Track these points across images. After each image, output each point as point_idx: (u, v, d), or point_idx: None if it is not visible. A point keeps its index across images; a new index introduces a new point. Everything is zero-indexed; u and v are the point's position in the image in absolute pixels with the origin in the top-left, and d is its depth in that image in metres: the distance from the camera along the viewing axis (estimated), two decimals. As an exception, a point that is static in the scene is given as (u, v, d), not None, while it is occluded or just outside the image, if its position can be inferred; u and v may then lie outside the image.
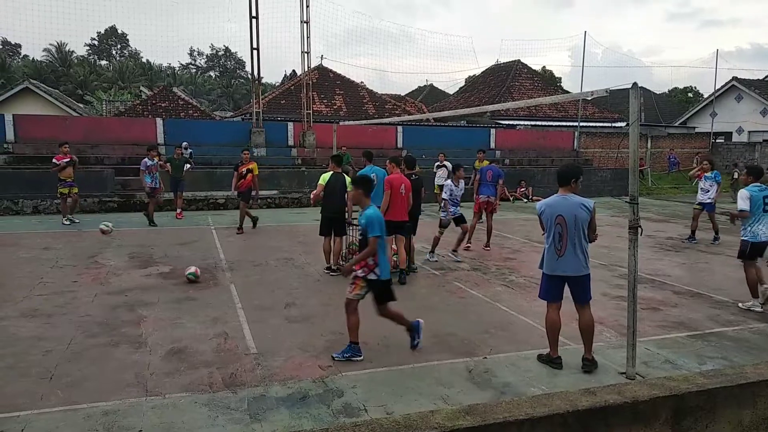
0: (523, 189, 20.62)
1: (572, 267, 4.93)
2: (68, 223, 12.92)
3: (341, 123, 19.08)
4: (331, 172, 8.49)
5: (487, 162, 12.91)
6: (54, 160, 12.79)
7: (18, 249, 10.08)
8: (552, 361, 5.08)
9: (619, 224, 13.89)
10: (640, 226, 4.74)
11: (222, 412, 4.13)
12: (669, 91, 55.04)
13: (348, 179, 8.24)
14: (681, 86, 55.62)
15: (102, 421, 3.76)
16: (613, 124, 31.08)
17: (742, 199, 6.89)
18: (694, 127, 34.52)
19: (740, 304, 7.08)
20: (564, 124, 29.76)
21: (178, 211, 14.39)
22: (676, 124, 36.65)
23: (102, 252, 9.85)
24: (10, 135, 17.65)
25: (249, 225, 12.61)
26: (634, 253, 4.77)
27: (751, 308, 6.92)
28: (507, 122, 28.95)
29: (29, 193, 14.97)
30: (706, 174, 11.66)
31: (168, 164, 13.99)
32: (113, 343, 5.48)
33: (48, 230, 12.21)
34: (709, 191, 11.55)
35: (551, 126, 29.41)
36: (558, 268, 4.97)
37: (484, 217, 10.73)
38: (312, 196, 9.11)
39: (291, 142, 21.09)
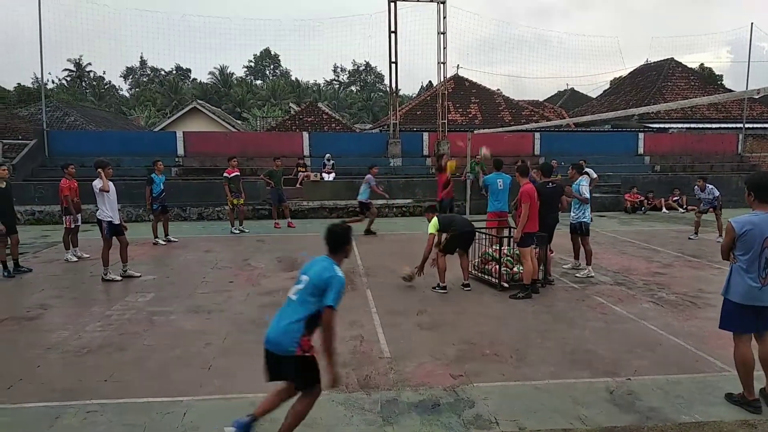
0: (676, 198, 18.91)
1: None
2: (237, 232, 13.64)
3: (475, 131, 18.94)
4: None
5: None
6: (225, 174, 13.64)
7: (186, 251, 11.37)
8: (749, 403, 4.30)
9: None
10: (818, 242, 4.14)
11: (357, 412, 4.32)
12: None
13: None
14: None
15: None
16: (787, 125, 27.33)
17: None
18: None
19: None
20: (725, 126, 26.77)
21: (289, 220, 14.90)
22: None
23: (254, 255, 10.76)
24: (180, 150, 20.03)
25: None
26: (811, 272, 4.18)
27: None
28: (658, 125, 26.75)
29: (195, 201, 16.85)
30: None
31: (268, 177, 14.51)
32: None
33: (210, 235, 13.62)
34: None
35: (710, 128, 26.61)
36: (759, 298, 4.21)
37: None
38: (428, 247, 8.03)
39: (426, 151, 21.39)
